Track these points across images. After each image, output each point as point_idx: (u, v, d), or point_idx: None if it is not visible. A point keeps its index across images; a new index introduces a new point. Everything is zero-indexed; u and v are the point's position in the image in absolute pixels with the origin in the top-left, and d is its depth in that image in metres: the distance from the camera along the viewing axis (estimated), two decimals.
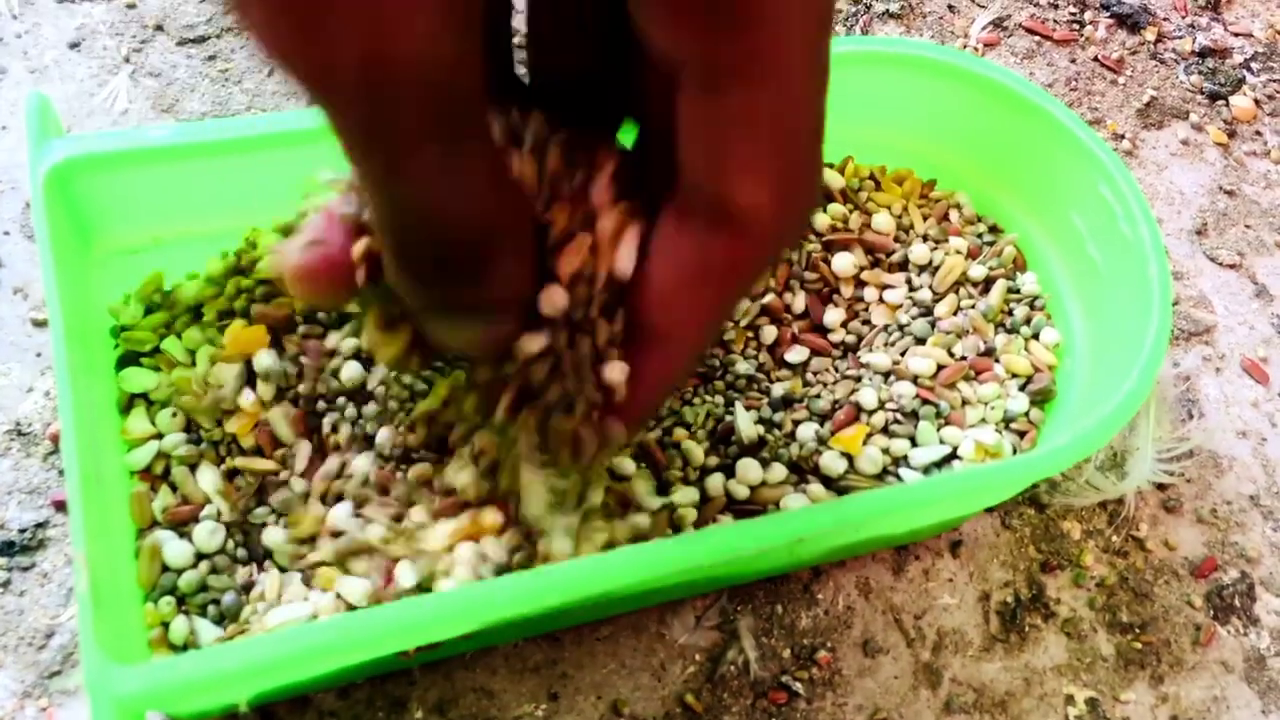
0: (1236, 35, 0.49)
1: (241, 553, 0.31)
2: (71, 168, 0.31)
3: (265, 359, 0.33)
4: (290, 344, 0.33)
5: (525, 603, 0.26)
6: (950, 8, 0.48)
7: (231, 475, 0.32)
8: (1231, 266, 0.44)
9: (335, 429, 0.32)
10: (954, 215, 0.39)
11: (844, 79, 0.31)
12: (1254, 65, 0.48)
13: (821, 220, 0.38)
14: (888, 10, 0.47)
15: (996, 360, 0.37)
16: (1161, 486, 0.39)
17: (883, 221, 0.38)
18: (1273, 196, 0.45)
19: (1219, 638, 0.37)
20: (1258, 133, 0.47)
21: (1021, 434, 0.36)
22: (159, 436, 0.33)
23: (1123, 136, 0.46)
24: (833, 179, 0.39)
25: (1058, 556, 0.37)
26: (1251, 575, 0.38)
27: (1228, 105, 0.47)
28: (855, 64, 0.36)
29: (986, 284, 0.38)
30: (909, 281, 0.38)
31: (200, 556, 0.31)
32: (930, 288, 0.38)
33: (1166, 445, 0.39)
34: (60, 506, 0.34)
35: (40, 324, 0.36)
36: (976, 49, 0.46)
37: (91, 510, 0.27)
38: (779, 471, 0.33)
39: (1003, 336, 0.37)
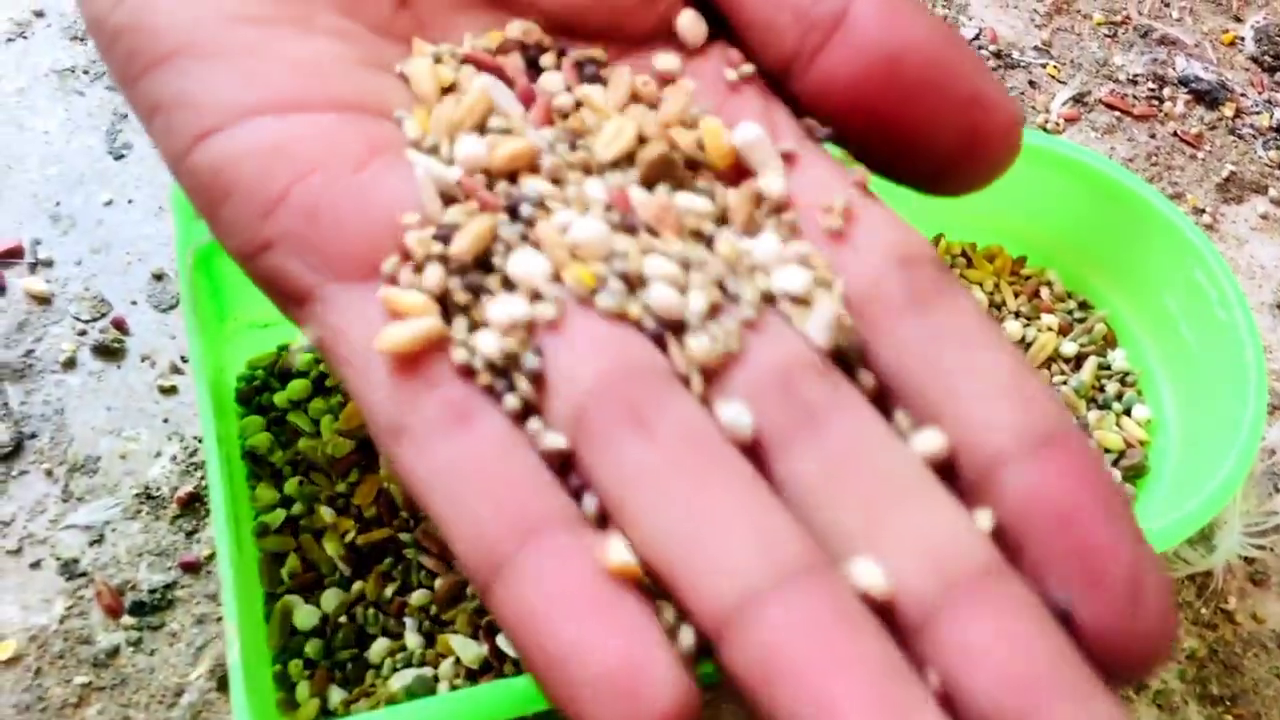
0: None
1: (368, 614, 0.33)
2: (214, 250, 0.32)
3: None
4: None
5: None
6: (1031, 84, 0.49)
7: (354, 544, 0.34)
8: None
9: None
10: (1044, 292, 0.40)
11: None
12: None
13: None
14: None
15: (1089, 436, 0.38)
16: (1249, 559, 0.39)
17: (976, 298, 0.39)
18: None
19: None
20: None
21: None
22: (286, 503, 0.34)
23: (1203, 211, 0.47)
24: None
25: None
26: None
27: None
28: None
29: (1078, 360, 0.39)
30: None
31: (326, 619, 0.33)
32: None
33: (1254, 519, 0.40)
34: (188, 568, 0.35)
35: (166, 391, 0.38)
36: (1058, 124, 0.48)
37: (240, 580, 0.28)
38: None
39: (1095, 412, 0.38)
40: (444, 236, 0.19)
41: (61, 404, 0.38)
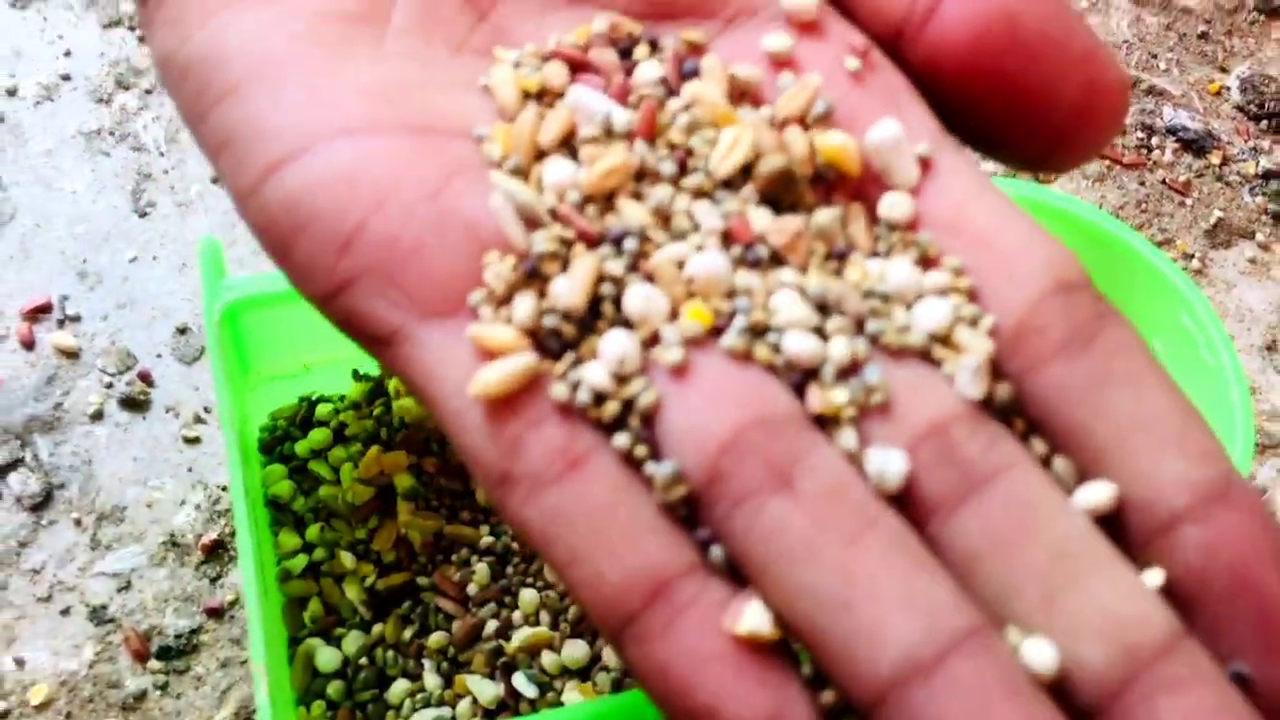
0: None
1: (388, 656, 0.34)
2: (239, 307, 0.34)
3: (405, 481, 0.35)
4: (428, 464, 0.36)
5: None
6: None
7: (374, 588, 0.35)
8: None
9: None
10: None
11: None
12: None
13: None
14: None
15: None
16: None
17: None
18: None
19: None
20: None
21: None
22: (308, 549, 0.35)
23: (1192, 256, 0.48)
24: None
25: None
26: None
27: None
28: None
29: None
30: None
31: (347, 662, 0.34)
32: None
33: None
34: (212, 613, 0.37)
35: (190, 441, 0.39)
36: (1051, 174, 0.49)
37: (269, 624, 0.30)
38: None
39: None
40: (533, 270, 0.18)
41: (89, 455, 0.39)
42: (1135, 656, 0.16)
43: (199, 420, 0.40)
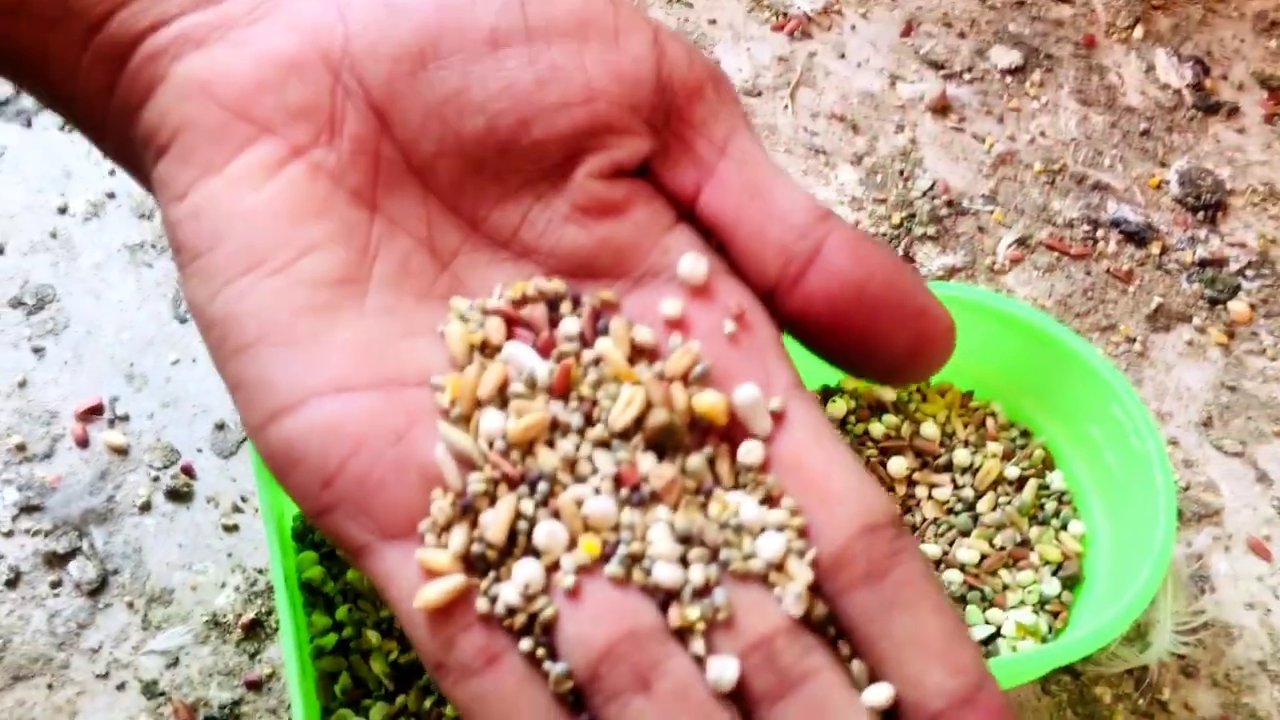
0: (1232, 246, 0.56)
1: None
2: None
3: None
4: None
5: None
6: (980, 229, 0.55)
7: (397, 662, 0.39)
8: (1236, 455, 0.50)
9: None
10: (990, 422, 0.46)
11: None
12: (1249, 273, 0.55)
13: (876, 429, 0.45)
14: (925, 233, 0.55)
15: (1031, 549, 0.43)
16: (1180, 655, 0.45)
17: (929, 430, 0.45)
18: (1270, 390, 0.52)
19: None
20: (1254, 333, 0.54)
21: (1055, 614, 0.42)
22: (338, 628, 0.40)
23: (1134, 339, 0.53)
24: (885, 393, 0.46)
25: (1092, 719, 0.43)
26: None
27: (1226, 309, 0.54)
28: None
29: (1020, 482, 0.45)
30: (954, 481, 0.45)
31: None
32: (972, 486, 0.44)
33: (1184, 619, 0.45)
34: (252, 686, 0.41)
35: (229, 529, 0.44)
36: (1004, 265, 0.54)
37: (306, 696, 0.34)
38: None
39: (1036, 528, 0.44)
40: (467, 506, 0.23)
41: (139, 543, 0.43)
42: None
43: (236, 509, 0.44)
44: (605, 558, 0.23)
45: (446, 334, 0.25)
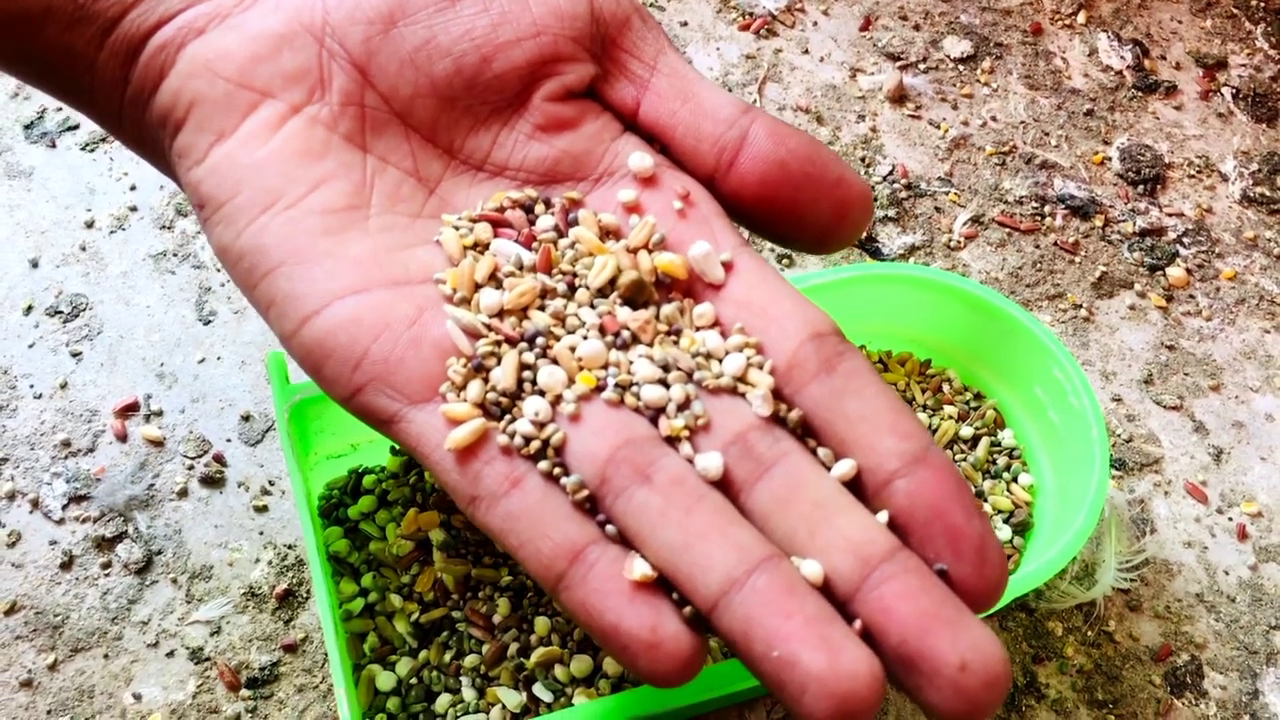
0: (1170, 216, 0.61)
1: (432, 676, 0.43)
2: (301, 405, 0.43)
3: (438, 535, 0.44)
4: (456, 520, 0.45)
5: (639, 707, 0.37)
6: (937, 209, 0.60)
7: (418, 622, 0.44)
8: (1174, 408, 0.55)
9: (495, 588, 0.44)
10: (945, 387, 0.50)
11: (861, 292, 0.44)
12: (1185, 240, 0.60)
13: None
14: (887, 215, 0.59)
15: (985, 500, 0.48)
16: (1125, 590, 0.50)
17: None
18: (1205, 348, 0.56)
19: (1176, 709, 0.47)
20: (1191, 296, 0.58)
21: (1008, 557, 0.47)
22: (364, 594, 0.44)
23: (1081, 306, 0.57)
24: None
25: (1045, 650, 0.48)
26: (1200, 658, 0.48)
27: (1165, 275, 0.59)
28: (870, 283, 0.48)
29: (974, 440, 0.49)
30: None
31: (401, 682, 0.43)
32: None
33: (1127, 557, 0.50)
34: (288, 649, 0.45)
35: (260, 509, 0.48)
36: (960, 242, 0.58)
37: (340, 655, 0.38)
38: None
39: (989, 481, 0.48)
40: (478, 365, 0.27)
41: (179, 525, 0.48)
42: (869, 562, 0.24)
43: (265, 492, 0.49)
44: (599, 389, 0.27)
45: (442, 239, 0.29)
